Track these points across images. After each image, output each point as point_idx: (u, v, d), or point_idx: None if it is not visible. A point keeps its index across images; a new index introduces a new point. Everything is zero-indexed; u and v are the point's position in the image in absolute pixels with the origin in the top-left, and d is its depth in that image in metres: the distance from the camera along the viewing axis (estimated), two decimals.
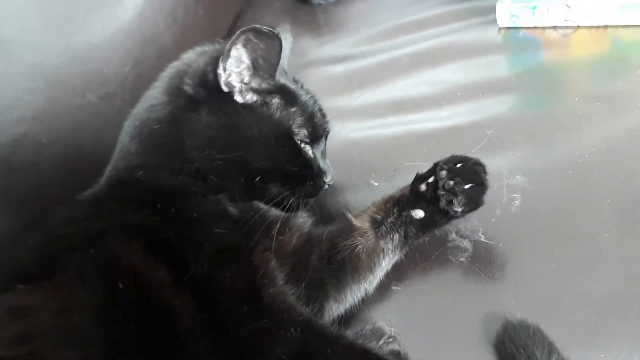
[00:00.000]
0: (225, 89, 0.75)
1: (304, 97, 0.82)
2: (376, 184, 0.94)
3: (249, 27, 0.72)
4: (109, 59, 0.98)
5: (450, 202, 0.74)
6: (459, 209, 0.74)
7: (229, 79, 0.75)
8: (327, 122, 0.86)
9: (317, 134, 0.82)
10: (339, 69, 1.25)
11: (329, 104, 0.91)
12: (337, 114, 0.96)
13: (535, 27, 1.19)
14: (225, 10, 1.52)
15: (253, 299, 0.64)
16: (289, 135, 0.78)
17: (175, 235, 0.65)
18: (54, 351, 0.54)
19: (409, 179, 0.91)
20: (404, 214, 0.79)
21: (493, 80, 1.07)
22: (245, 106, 0.76)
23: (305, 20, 1.52)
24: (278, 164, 0.75)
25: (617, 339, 0.67)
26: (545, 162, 0.87)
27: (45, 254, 0.64)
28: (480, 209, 0.81)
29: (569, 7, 1.14)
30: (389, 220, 0.79)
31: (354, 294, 0.78)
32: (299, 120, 0.79)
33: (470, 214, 0.77)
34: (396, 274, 0.80)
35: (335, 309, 0.78)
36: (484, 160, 0.89)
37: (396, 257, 0.80)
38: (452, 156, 0.77)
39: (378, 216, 0.80)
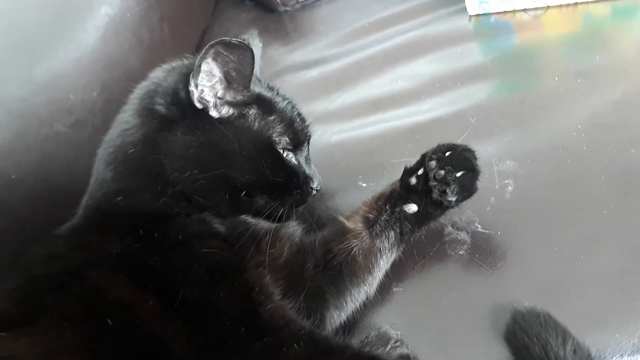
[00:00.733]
0: (199, 105, 0.73)
1: (281, 104, 0.80)
2: (364, 184, 0.91)
3: (217, 40, 0.70)
4: (75, 85, 0.94)
5: (444, 193, 0.71)
6: (453, 198, 0.72)
7: (202, 95, 0.73)
8: (307, 127, 0.84)
9: (299, 139, 0.80)
10: (313, 73, 1.23)
11: (307, 109, 0.89)
12: (316, 119, 0.93)
13: (505, 12, 1.18)
14: (191, 26, 1.49)
15: (250, 318, 0.61)
16: (270, 145, 0.76)
17: (160, 261, 0.62)
18: None
19: (397, 176, 0.89)
20: (397, 210, 0.76)
21: (470, 68, 1.06)
22: (222, 121, 0.73)
23: (274, 28, 1.49)
24: (262, 175, 0.74)
25: (630, 317, 0.66)
26: (533, 144, 0.86)
27: (25, 296, 0.60)
28: (474, 199, 0.79)
29: None
30: (383, 218, 0.77)
31: (354, 299, 0.75)
32: (278, 128, 0.77)
33: (464, 203, 0.75)
34: (396, 274, 0.78)
35: (336, 316, 0.74)
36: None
37: (394, 256, 0.77)
38: (439, 145, 0.74)
39: (371, 215, 0.78)
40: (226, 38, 0.70)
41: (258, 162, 0.74)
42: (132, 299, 0.58)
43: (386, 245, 0.76)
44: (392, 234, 0.76)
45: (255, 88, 0.78)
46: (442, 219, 0.80)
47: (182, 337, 0.57)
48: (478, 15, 1.21)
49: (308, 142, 0.84)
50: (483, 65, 1.05)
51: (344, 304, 0.75)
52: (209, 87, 0.73)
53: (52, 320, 0.56)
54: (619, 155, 0.79)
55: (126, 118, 0.77)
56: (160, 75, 0.80)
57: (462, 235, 0.78)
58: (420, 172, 0.75)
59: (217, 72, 0.72)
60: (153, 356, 0.56)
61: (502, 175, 0.82)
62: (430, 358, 0.67)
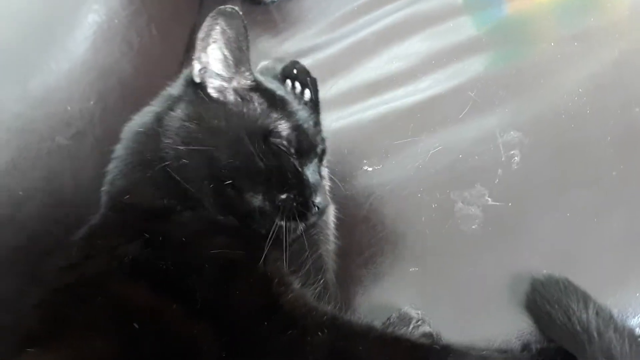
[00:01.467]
0: (197, 79, 0.73)
1: (294, 107, 0.77)
2: (370, 169, 0.91)
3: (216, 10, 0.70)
4: (70, 97, 0.93)
5: None
6: None
7: (201, 69, 0.73)
8: (320, 139, 0.79)
9: (304, 148, 0.75)
10: (306, 62, 1.21)
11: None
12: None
13: None
14: (179, 26, 1.47)
15: (272, 310, 0.61)
16: (266, 132, 0.72)
17: (172, 266, 0.61)
18: None
19: (402, 157, 0.90)
20: None
21: (464, 42, 1.05)
22: (213, 98, 0.73)
23: (262, 20, 1.48)
24: (251, 163, 0.69)
25: None
26: (536, 112, 0.85)
27: (48, 311, 0.60)
28: (482, 171, 0.80)
29: None
30: None
31: None
32: (281, 124, 0.74)
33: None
34: (410, 255, 0.78)
35: None
36: (474, 123, 0.88)
37: None
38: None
39: None
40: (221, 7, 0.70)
41: (247, 148, 0.69)
42: (155, 304, 0.58)
43: None
44: None
45: (270, 84, 0.78)
46: (452, 195, 0.80)
47: (208, 337, 0.57)
48: None
49: (320, 158, 0.79)
50: (477, 37, 1.04)
51: None
52: (208, 60, 0.73)
53: (78, 333, 0.56)
54: (623, 115, 0.79)
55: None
56: None
57: (473, 210, 0.78)
58: None
59: (217, 46, 0.72)
60: (182, 357, 0.56)
61: (508, 146, 0.82)
62: (452, 334, 0.67)
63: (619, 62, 0.86)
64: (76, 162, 0.89)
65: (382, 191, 0.87)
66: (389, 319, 0.72)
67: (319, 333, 0.58)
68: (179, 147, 0.69)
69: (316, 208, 0.72)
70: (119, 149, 0.77)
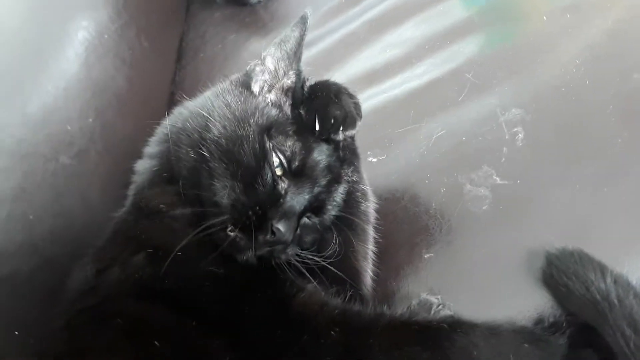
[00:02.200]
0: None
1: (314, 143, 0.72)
2: (375, 159, 0.91)
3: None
4: (69, 116, 0.93)
5: None
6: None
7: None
8: (326, 184, 0.71)
9: (300, 172, 0.69)
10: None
11: None
12: None
13: None
14: (168, 35, 1.47)
15: (284, 314, 0.61)
16: (268, 127, 0.69)
17: (175, 286, 0.62)
18: None
19: (405, 145, 0.90)
20: None
21: (456, 24, 1.05)
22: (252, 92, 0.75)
23: (250, 21, 1.47)
24: (235, 146, 0.66)
25: None
26: (535, 88, 0.86)
27: (73, 333, 0.60)
28: (487, 152, 0.80)
29: None
30: None
31: None
32: (283, 138, 0.69)
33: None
34: (424, 241, 0.78)
35: None
36: (474, 104, 0.88)
37: None
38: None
39: None
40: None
41: (241, 131, 0.68)
42: (172, 322, 0.59)
43: None
44: None
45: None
46: (460, 178, 0.80)
47: (226, 351, 0.57)
48: None
49: (317, 210, 0.72)
50: (469, 19, 1.04)
51: None
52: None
53: (101, 354, 0.56)
54: (622, 83, 0.79)
55: None
56: None
57: (482, 191, 0.78)
58: None
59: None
60: None
61: (510, 125, 0.83)
62: (473, 314, 0.67)
63: (613, 31, 0.87)
64: (82, 181, 0.89)
65: (389, 181, 0.87)
66: (409, 307, 0.72)
67: (332, 332, 0.58)
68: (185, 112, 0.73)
69: (272, 234, 0.64)
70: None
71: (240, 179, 0.65)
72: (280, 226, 0.64)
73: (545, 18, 0.95)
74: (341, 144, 0.75)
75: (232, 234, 0.64)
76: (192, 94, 0.82)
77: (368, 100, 1.01)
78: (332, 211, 0.73)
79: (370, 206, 0.79)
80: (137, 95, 1.17)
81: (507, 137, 0.81)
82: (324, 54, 1.20)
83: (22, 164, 0.80)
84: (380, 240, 0.79)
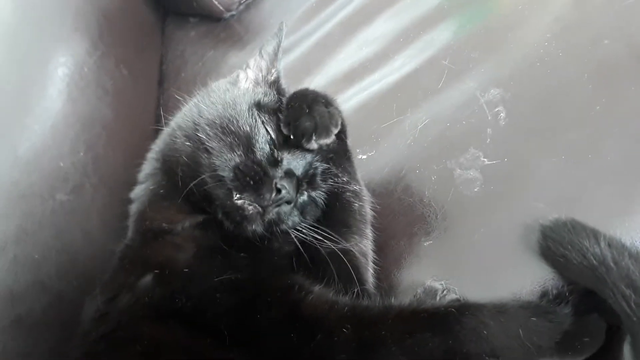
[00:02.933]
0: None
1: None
2: (364, 156, 0.93)
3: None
4: (60, 153, 0.94)
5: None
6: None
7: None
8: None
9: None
10: (279, 66, 1.23)
11: None
12: None
13: None
14: (147, 60, 1.48)
15: (295, 318, 0.62)
16: (253, 104, 0.77)
17: (186, 303, 0.63)
18: None
19: (392, 138, 0.91)
20: None
21: (426, 14, 1.06)
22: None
23: (226, 36, 1.49)
24: (228, 121, 0.74)
25: None
26: (510, 66, 0.87)
27: None
28: (472, 135, 0.81)
29: None
30: None
31: None
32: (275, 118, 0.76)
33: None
34: (422, 230, 0.80)
35: None
36: (454, 90, 0.89)
37: None
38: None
39: None
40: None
41: (235, 110, 0.75)
42: (188, 341, 0.60)
43: None
44: None
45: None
46: (449, 163, 0.81)
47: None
48: None
49: (302, 157, 0.76)
50: (438, 6, 1.05)
51: None
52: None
53: None
54: (593, 50, 0.80)
55: None
56: None
57: (472, 173, 0.80)
58: None
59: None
60: None
61: (491, 105, 0.84)
62: (477, 294, 0.69)
63: (578, 1, 0.88)
64: (81, 215, 0.91)
65: (381, 175, 0.88)
66: (415, 295, 0.73)
67: (344, 330, 0.60)
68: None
69: (276, 191, 0.69)
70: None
71: (238, 149, 0.71)
72: (285, 182, 0.69)
73: None
74: (325, 147, 0.78)
75: (239, 202, 0.68)
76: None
77: (351, 99, 1.03)
78: (322, 185, 0.78)
79: (365, 206, 0.81)
80: (124, 124, 1.18)
81: (489, 117, 0.83)
82: (303, 59, 1.22)
83: (20, 206, 0.81)
84: (379, 233, 0.81)
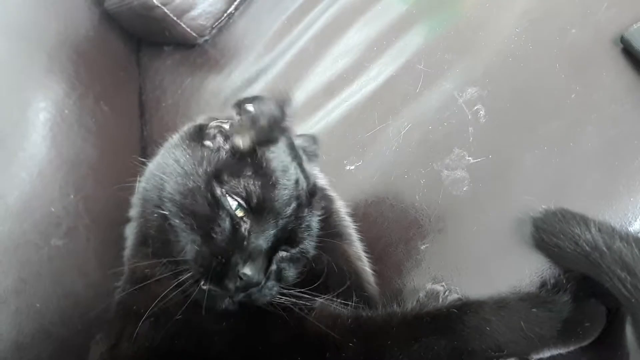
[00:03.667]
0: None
1: (275, 163, 0.71)
2: (352, 167, 0.93)
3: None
4: (50, 198, 0.94)
5: None
6: None
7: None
8: (282, 207, 0.69)
9: (263, 208, 0.68)
10: (258, 86, 1.24)
11: None
12: None
13: None
14: (125, 94, 1.48)
15: (299, 338, 0.63)
16: (212, 175, 0.68)
17: (188, 343, 0.63)
18: None
19: (377, 146, 0.93)
20: None
21: (396, 21, 1.07)
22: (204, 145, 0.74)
23: (202, 62, 1.49)
24: (186, 198, 0.67)
25: (635, 177, 0.70)
26: (484, 64, 0.89)
27: None
28: (455, 135, 0.82)
29: None
30: None
31: None
32: (243, 181, 0.68)
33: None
34: (418, 234, 0.81)
35: None
36: (432, 93, 0.91)
37: None
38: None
39: None
40: None
41: (192, 184, 0.68)
42: None
43: None
44: None
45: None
46: (435, 166, 0.83)
47: None
48: None
49: (274, 226, 0.68)
50: (407, 12, 1.06)
51: None
52: None
53: None
54: (562, 40, 0.82)
55: None
56: None
57: (459, 173, 0.81)
58: None
59: None
60: None
61: (470, 104, 0.86)
62: (478, 291, 0.70)
63: None
64: (78, 258, 0.91)
65: (370, 184, 0.89)
66: (417, 299, 0.74)
67: (350, 344, 0.60)
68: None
69: (238, 278, 0.64)
70: None
71: (199, 231, 0.66)
72: (247, 270, 0.64)
73: None
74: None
75: (205, 287, 0.64)
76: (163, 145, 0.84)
77: (332, 112, 1.04)
78: (307, 238, 0.73)
79: (336, 207, 0.82)
80: (110, 160, 1.18)
81: (469, 117, 0.84)
82: (281, 76, 1.22)
83: (16, 257, 0.81)
84: (375, 243, 0.82)
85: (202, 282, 0.64)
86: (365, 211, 0.87)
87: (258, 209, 0.67)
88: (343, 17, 1.17)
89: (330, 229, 0.77)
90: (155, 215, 0.70)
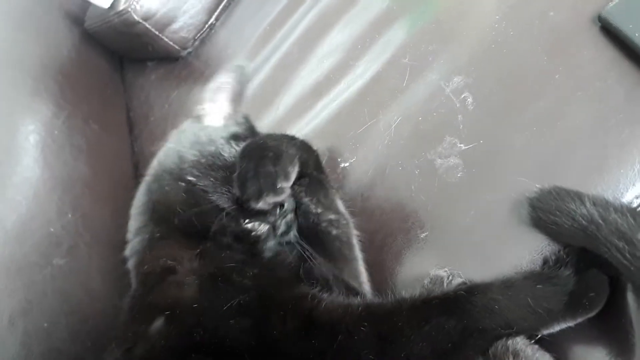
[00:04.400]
0: None
1: None
2: (347, 164, 0.95)
3: None
4: (48, 218, 0.95)
5: None
6: None
7: None
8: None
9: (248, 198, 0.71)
10: (245, 92, 1.25)
11: (258, 126, 0.92)
12: (272, 130, 0.97)
13: None
14: (113, 111, 1.48)
15: (312, 326, 0.64)
16: (230, 137, 0.80)
17: (204, 335, 0.63)
18: None
19: (370, 142, 0.94)
20: None
21: (378, 17, 1.09)
22: None
23: (187, 74, 1.49)
24: (212, 157, 0.76)
25: (624, 149, 0.71)
26: (468, 52, 0.90)
27: None
28: (445, 124, 0.84)
29: None
30: None
31: None
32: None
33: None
34: (417, 223, 0.82)
35: None
36: (419, 85, 0.92)
37: None
38: None
39: None
40: None
41: (209, 149, 0.78)
42: None
43: None
44: None
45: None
46: (428, 155, 0.84)
47: None
48: None
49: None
50: (388, 8, 1.08)
51: None
52: None
53: None
54: (542, 24, 0.84)
55: None
56: None
57: (452, 160, 0.82)
58: None
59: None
60: None
61: (457, 93, 0.87)
62: (482, 274, 0.71)
63: None
64: (81, 275, 0.91)
65: (366, 179, 0.91)
66: (422, 286, 0.76)
67: (362, 328, 0.61)
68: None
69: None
70: None
71: (231, 179, 0.72)
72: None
73: None
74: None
75: (249, 225, 0.72)
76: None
77: (322, 111, 1.05)
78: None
79: (347, 232, 0.82)
80: (104, 178, 1.19)
81: (457, 105, 0.86)
82: (267, 82, 1.24)
83: (20, 279, 0.81)
84: (375, 236, 0.83)
85: (244, 222, 0.71)
86: (363, 206, 0.88)
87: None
88: (325, 18, 1.18)
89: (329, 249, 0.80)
90: (181, 183, 0.75)
